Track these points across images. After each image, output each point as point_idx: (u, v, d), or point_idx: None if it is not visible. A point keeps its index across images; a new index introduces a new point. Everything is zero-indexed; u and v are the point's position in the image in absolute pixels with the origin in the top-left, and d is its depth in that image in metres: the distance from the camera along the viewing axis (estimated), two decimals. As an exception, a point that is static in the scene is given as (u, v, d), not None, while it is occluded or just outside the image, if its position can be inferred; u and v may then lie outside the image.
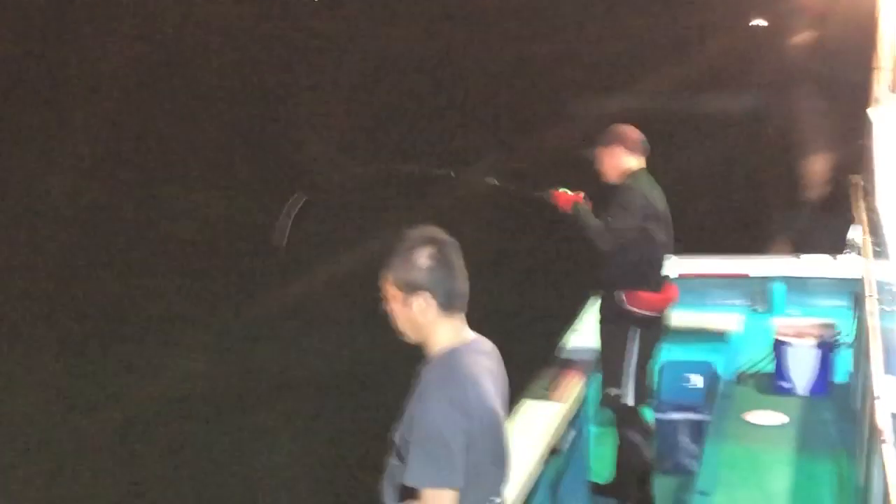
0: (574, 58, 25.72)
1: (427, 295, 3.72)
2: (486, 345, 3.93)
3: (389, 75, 25.97)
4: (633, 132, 6.74)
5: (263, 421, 10.90)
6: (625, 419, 6.79)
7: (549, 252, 14.71)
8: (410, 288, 3.73)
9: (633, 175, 6.64)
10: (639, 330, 6.65)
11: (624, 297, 6.58)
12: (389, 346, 3.91)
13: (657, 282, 6.68)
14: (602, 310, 6.80)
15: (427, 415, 3.62)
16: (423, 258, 3.71)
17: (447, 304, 3.74)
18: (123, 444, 10.51)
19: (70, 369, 12.30)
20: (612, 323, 6.72)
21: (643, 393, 6.79)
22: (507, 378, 3.98)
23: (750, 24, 25.60)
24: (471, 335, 3.86)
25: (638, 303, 6.58)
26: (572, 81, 24.29)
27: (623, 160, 6.66)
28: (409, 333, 3.82)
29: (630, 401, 6.69)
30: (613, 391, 6.71)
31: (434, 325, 3.76)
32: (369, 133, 21.51)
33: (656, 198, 6.65)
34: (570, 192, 6.62)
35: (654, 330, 6.76)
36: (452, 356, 3.75)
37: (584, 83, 23.59)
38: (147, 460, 10.20)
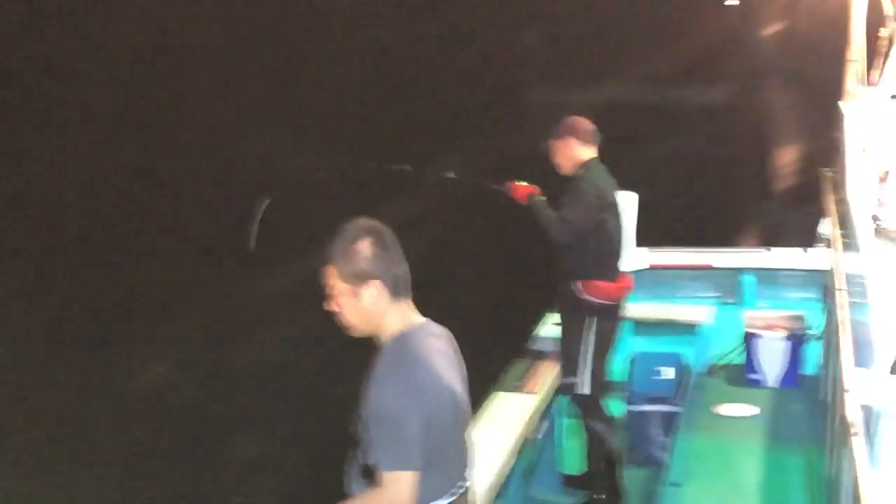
0: (544, 51, 25.72)
1: (377, 283, 3.73)
2: (436, 328, 3.94)
3: (351, 74, 25.92)
4: (584, 123, 6.76)
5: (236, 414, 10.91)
6: (584, 409, 6.82)
7: (519, 245, 14.72)
8: (359, 278, 3.73)
9: (586, 165, 6.66)
10: (595, 319, 6.67)
11: (580, 286, 6.60)
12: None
13: (612, 271, 6.70)
14: (559, 299, 6.83)
15: (380, 399, 3.63)
16: (367, 248, 3.72)
17: (395, 290, 3.76)
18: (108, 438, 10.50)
19: (55, 360, 12.28)
20: (569, 312, 6.75)
21: (601, 382, 6.78)
22: (462, 360, 3.99)
23: (724, 3, 25.62)
24: (420, 319, 3.88)
25: (594, 291, 6.60)
26: (542, 75, 24.30)
27: (576, 151, 6.68)
28: (360, 325, 3.82)
29: (586, 389, 6.69)
30: (570, 380, 6.74)
31: (385, 312, 3.78)
32: (329, 133, 21.48)
33: (609, 187, 6.69)
34: (526, 185, 6.66)
35: (611, 319, 6.77)
36: (403, 340, 3.77)
37: (555, 77, 23.59)
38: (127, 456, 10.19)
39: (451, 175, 7.09)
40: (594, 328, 6.67)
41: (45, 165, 20.38)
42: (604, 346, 6.75)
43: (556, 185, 6.69)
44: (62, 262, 15.88)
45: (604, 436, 6.79)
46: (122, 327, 13.29)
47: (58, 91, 24.53)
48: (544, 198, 6.59)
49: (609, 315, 6.74)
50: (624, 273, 6.82)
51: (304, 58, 26.68)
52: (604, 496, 6.83)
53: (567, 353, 6.76)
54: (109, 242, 16.79)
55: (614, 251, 6.74)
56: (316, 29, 28.60)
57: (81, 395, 11.40)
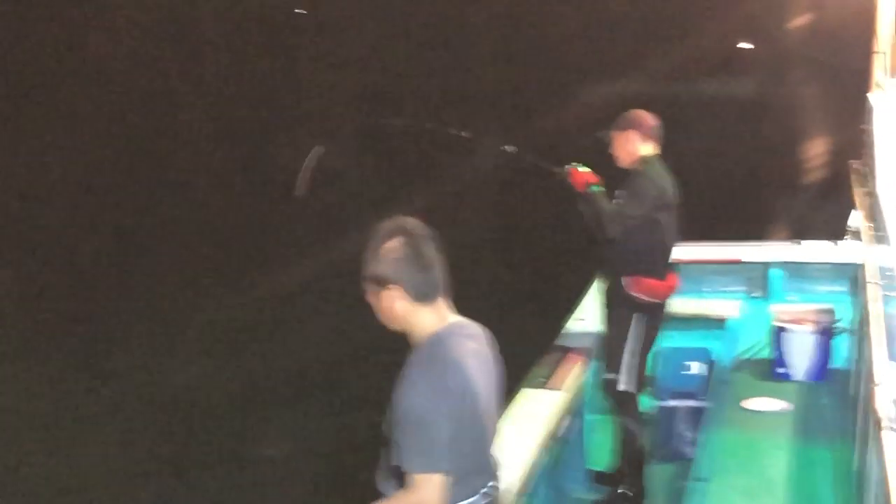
0: (574, 42, 25.66)
1: (397, 288, 3.73)
2: (473, 328, 3.94)
3: (395, 54, 25.90)
4: (648, 118, 6.71)
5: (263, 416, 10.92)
6: (619, 405, 6.80)
7: (551, 237, 14.72)
8: (381, 282, 3.75)
9: (646, 161, 6.62)
10: (641, 316, 6.65)
11: (628, 282, 6.57)
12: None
13: (662, 269, 6.67)
14: (606, 294, 6.80)
15: (408, 400, 3.63)
16: (392, 252, 3.72)
17: (419, 296, 3.75)
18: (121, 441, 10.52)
19: (64, 364, 12.31)
20: (615, 307, 6.72)
21: (640, 380, 6.78)
22: (498, 360, 3.98)
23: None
24: (455, 319, 3.87)
25: (641, 289, 6.58)
26: (572, 66, 24.24)
27: (637, 146, 6.64)
28: (391, 324, 3.84)
29: (624, 386, 6.68)
30: (612, 375, 6.72)
31: (412, 314, 3.78)
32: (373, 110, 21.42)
33: (668, 186, 6.63)
34: (585, 171, 6.59)
35: (656, 317, 6.76)
36: (435, 341, 3.76)
37: (585, 68, 23.53)
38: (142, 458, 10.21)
39: (511, 149, 6.92)
40: (639, 325, 6.65)
41: (54, 163, 20.40)
42: (647, 344, 6.75)
43: (607, 174, 6.67)
44: (79, 263, 15.90)
45: (634, 433, 6.78)
46: (142, 330, 13.30)
47: (61, 90, 24.60)
48: (603, 188, 6.54)
49: (655, 313, 6.72)
50: (672, 271, 6.79)
51: (343, 38, 26.64)
52: (631, 493, 6.82)
53: (610, 349, 6.75)
54: (124, 245, 16.80)
55: (665, 249, 6.72)
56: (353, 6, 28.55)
57: (95, 398, 11.43)
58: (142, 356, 12.39)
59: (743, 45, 25.44)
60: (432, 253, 3.75)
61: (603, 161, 6.72)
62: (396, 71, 25.02)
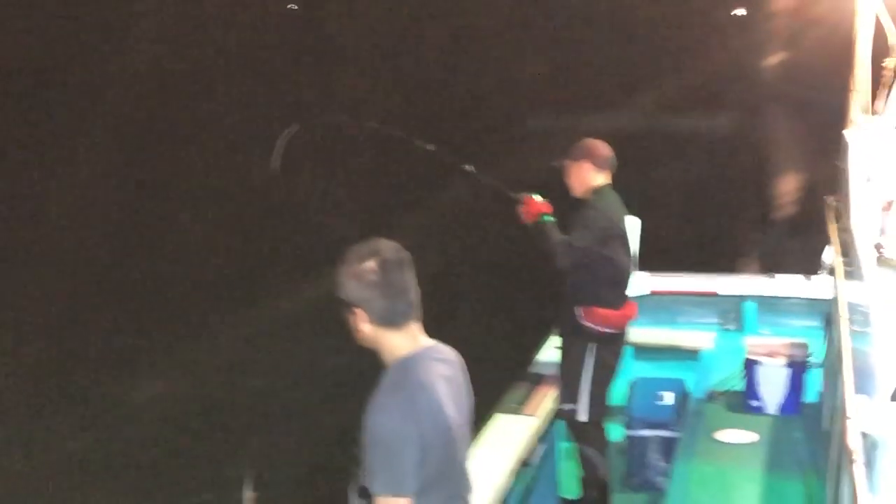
0: (551, 78, 25.76)
1: (362, 312, 3.76)
2: (445, 352, 3.95)
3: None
4: (602, 148, 6.73)
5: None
6: (579, 435, 6.80)
7: (521, 268, 14.76)
8: (347, 304, 3.79)
9: (598, 192, 6.65)
10: (595, 346, 6.64)
11: (581, 313, 6.58)
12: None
13: (616, 299, 6.67)
14: (560, 323, 6.82)
15: (377, 423, 3.64)
16: (359, 275, 3.74)
17: (383, 321, 3.77)
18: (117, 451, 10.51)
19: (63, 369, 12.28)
20: (570, 337, 6.73)
21: (600, 410, 6.76)
22: (469, 385, 4.00)
23: (731, 13, 25.70)
24: (427, 342, 3.88)
25: (595, 318, 6.58)
26: (549, 101, 24.34)
27: (590, 176, 6.67)
28: (363, 343, 3.87)
29: (584, 417, 6.68)
30: (568, 406, 6.72)
31: (380, 337, 3.80)
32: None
33: (619, 217, 6.68)
34: (540, 201, 6.61)
35: (613, 346, 6.75)
36: (405, 364, 3.78)
37: (560, 103, 23.61)
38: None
39: (470, 168, 6.92)
40: (594, 355, 6.64)
41: (56, 184, 20.38)
42: (604, 374, 6.73)
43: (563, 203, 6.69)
44: (79, 274, 15.88)
45: (595, 462, 6.77)
46: (133, 346, 13.27)
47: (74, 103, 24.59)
48: (553, 220, 6.55)
49: (610, 343, 6.71)
50: (630, 300, 6.80)
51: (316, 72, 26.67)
52: None
53: (566, 379, 6.74)
54: (122, 258, 16.78)
55: (619, 279, 6.72)
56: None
57: (90, 411, 11.41)
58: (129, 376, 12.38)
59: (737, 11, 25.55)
60: (403, 278, 3.76)
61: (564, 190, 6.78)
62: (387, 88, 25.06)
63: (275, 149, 6.54)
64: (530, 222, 6.57)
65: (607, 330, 6.64)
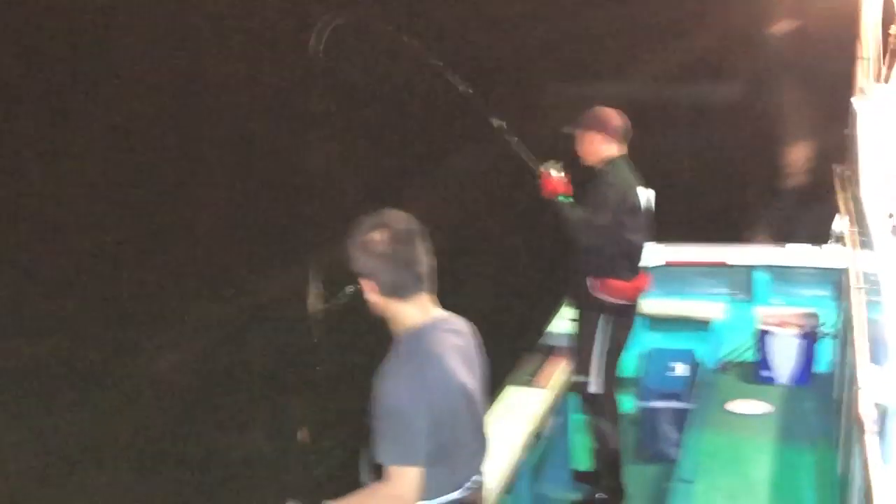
0: (557, 46, 25.63)
1: (370, 282, 3.79)
2: (457, 323, 3.97)
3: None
4: (614, 118, 6.62)
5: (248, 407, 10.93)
6: (591, 407, 6.79)
7: (535, 238, 14.75)
8: (358, 274, 3.81)
9: (612, 163, 6.57)
10: (608, 317, 6.63)
11: (594, 284, 6.56)
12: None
13: (629, 271, 6.65)
14: (573, 295, 6.80)
15: (387, 393, 3.66)
16: (369, 246, 3.76)
17: (391, 291, 3.79)
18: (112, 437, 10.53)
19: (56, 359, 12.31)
20: (582, 309, 6.72)
21: (611, 381, 6.76)
22: (482, 355, 4.02)
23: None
24: (439, 313, 3.90)
25: (608, 290, 6.57)
26: (555, 69, 24.20)
27: (601, 147, 6.58)
28: (376, 313, 3.89)
29: (595, 388, 6.67)
30: (581, 378, 6.72)
31: (389, 308, 3.83)
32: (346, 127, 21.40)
33: (632, 189, 6.58)
34: (558, 176, 6.52)
35: (625, 318, 6.73)
36: (416, 335, 3.80)
37: (567, 71, 23.48)
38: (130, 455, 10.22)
39: (498, 122, 6.73)
40: (607, 327, 6.63)
41: (61, 168, 20.36)
42: (616, 346, 6.72)
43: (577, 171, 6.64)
44: (77, 260, 15.89)
45: (607, 434, 6.77)
46: (132, 322, 13.30)
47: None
48: (570, 199, 6.49)
49: (623, 314, 6.69)
50: (643, 271, 6.79)
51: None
52: (606, 496, 6.83)
53: (579, 351, 6.74)
54: (116, 243, 16.78)
55: (632, 251, 6.68)
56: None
57: (86, 390, 11.45)
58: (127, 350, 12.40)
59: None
60: (413, 249, 3.77)
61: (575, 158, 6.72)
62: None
63: (315, 35, 6.39)
64: (546, 198, 6.52)
65: (620, 301, 6.63)
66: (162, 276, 14.97)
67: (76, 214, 17.95)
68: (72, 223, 17.45)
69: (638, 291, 6.74)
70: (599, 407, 6.77)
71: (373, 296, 3.81)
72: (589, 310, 6.66)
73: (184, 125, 22.42)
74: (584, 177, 6.61)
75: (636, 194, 6.60)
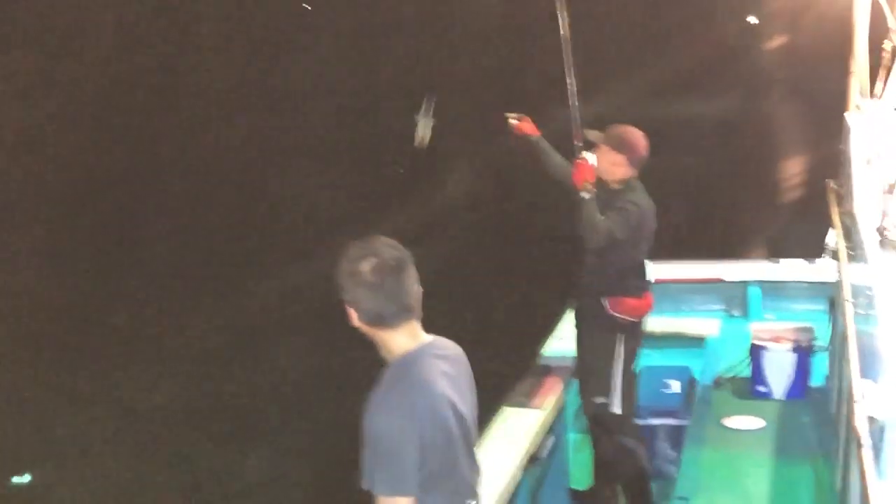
0: (548, 60, 25.65)
1: (354, 310, 3.76)
2: (447, 348, 3.93)
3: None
4: (641, 147, 6.53)
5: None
6: (613, 427, 6.73)
7: (527, 257, 14.76)
8: (344, 301, 3.78)
9: (630, 185, 6.53)
10: (622, 336, 6.60)
11: (609, 303, 6.55)
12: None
13: (640, 287, 6.65)
14: (585, 317, 6.75)
15: (376, 422, 3.63)
16: (353, 275, 3.73)
17: (377, 321, 3.76)
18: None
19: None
20: (598, 330, 6.65)
21: (631, 400, 6.74)
22: (472, 380, 3.98)
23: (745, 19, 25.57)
24: (427, 339, 3.86)
25: (622, 308, 6.54)
26: (546, 84, 24.24)
27: (621, 169, 6.48)
28: (367, 337, 3.86)
29: (618, 409, 6.62)
30: (600, 399, 6.63)
31: (377, 334, 3.80)
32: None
33: (650, 212, 6.54)
34: (592, 165, 6.42)
35: (637, 336, 6.72)
36: (405, 362, 3.76)
37: (560, 86, 23.50)
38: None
39: (572, 82, 6.72)
40: (623, 346, 6.61)
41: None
42: (632, 364, 6.69)
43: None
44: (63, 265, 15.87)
45: (636, 452, 6.73)
46: (128, 340, 13.27)
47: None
48: (594, 191, 6.37)
49: (635, 331, 6.68)
50: (648, 289, 6.78)
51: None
52: None
53: (595, 373, 6.65)
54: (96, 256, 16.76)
55: (643, 268, 6.69)
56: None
57: (83, 409, 11.41)
58: (113, 375, 12.36)
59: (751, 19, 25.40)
60: (399, 280, 3.72)
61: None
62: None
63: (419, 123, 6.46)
64: (577, 189, 6.38)
65: (633, 319, 6.62)
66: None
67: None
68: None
69: (648, 308, 6.73)
70: (622, 426, 6.72)
71: (356, 322, 3.79)
72: (605, 330, 6.61)
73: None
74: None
75: (652, 218, 6.58)
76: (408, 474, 3.62)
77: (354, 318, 3.78)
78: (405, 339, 3.79)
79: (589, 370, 6.74)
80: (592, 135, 6.59)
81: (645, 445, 6.89)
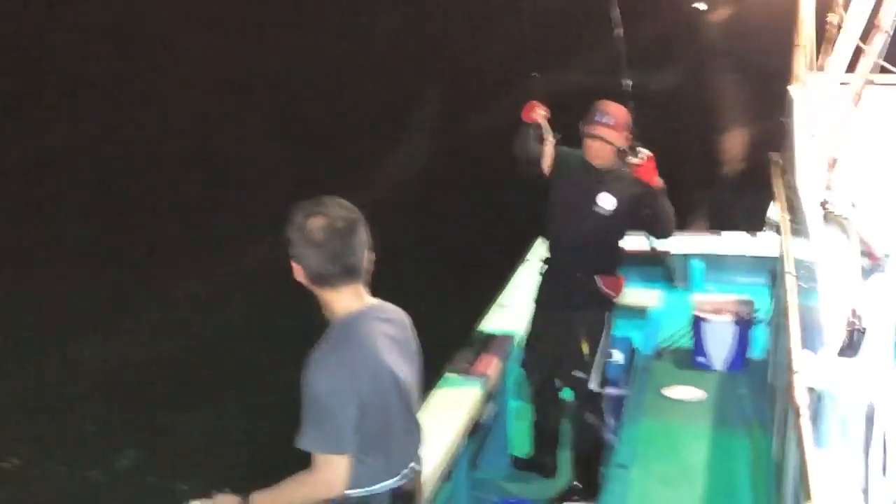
0: (492, 39, 25.63)
1: (299, 267, 3.76)
2: (392, 311, 3.94)
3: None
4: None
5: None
6: (584, 403, 6.77)
7: (475, 224, 14.79)
8: (290, 256, 3.77)
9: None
10: (609, 314, 6.68)
11: (605, 282, 6.57)
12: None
13: (619, 267, 6.73)
14: (570, 295, 6.66)
15: (314, 381, 3.62)
16: (301, 232, 3.71)
17: (320, 281, 3.75)
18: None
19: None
20: (589, 307, 6.64)
21: (604, 377, 6.80)
22: (417, 344, 4.00)
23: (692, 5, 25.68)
24: (370, 301, 3.86)
25: (612, 286, 6.61)
26: (491, 62, 24.20)
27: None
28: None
29: (595, 386, 6.67)
30: (580, 375, 6.66)
31: (321, 294, 3.80)
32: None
33: None
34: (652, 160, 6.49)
35: (613, 313, 6.77)
36: (347, 322, 3.76)
37: (506, 64, 23.47)
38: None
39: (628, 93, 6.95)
40: (608, 324, 6.67)
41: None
42: (608, 341, 6.75)
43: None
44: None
45: (598, 429, 6.81)
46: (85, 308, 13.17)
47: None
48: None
49: (613, 309, 6.74)
50: None
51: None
52: (581, 485, 6.84)
53: (579, 349, 6.66)
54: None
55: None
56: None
57: (40, 373, 11.34)
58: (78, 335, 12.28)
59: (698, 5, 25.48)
60: (347, 241, 3.71)
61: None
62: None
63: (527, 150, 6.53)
64: (655, 188, 6.47)
65: (615, 297, 6.67)
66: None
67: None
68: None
69: (623, 285, 6.77)
70: (593, 403, 6.78)
71: (300, 278, 3.78)
72: (598, 308, 6.64)
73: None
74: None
75: None
76: (344, 434, 3.62)
77: (299, 273, 3.76)
78: (349, 300, 3.78)
79: (568, 347, 6.69)
80: (630, 86, 7.20)
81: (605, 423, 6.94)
